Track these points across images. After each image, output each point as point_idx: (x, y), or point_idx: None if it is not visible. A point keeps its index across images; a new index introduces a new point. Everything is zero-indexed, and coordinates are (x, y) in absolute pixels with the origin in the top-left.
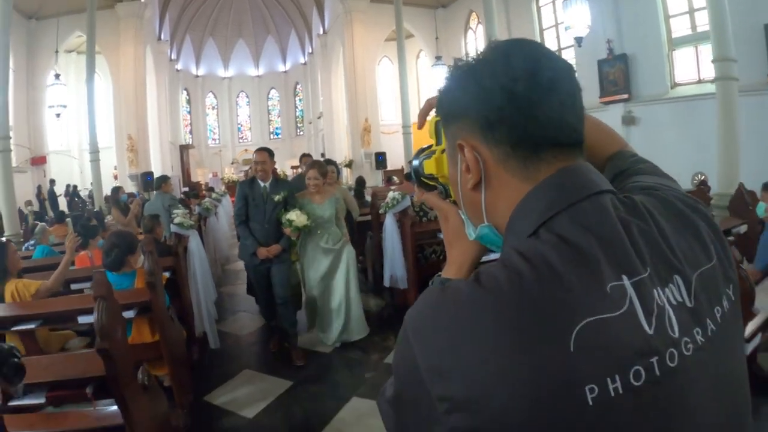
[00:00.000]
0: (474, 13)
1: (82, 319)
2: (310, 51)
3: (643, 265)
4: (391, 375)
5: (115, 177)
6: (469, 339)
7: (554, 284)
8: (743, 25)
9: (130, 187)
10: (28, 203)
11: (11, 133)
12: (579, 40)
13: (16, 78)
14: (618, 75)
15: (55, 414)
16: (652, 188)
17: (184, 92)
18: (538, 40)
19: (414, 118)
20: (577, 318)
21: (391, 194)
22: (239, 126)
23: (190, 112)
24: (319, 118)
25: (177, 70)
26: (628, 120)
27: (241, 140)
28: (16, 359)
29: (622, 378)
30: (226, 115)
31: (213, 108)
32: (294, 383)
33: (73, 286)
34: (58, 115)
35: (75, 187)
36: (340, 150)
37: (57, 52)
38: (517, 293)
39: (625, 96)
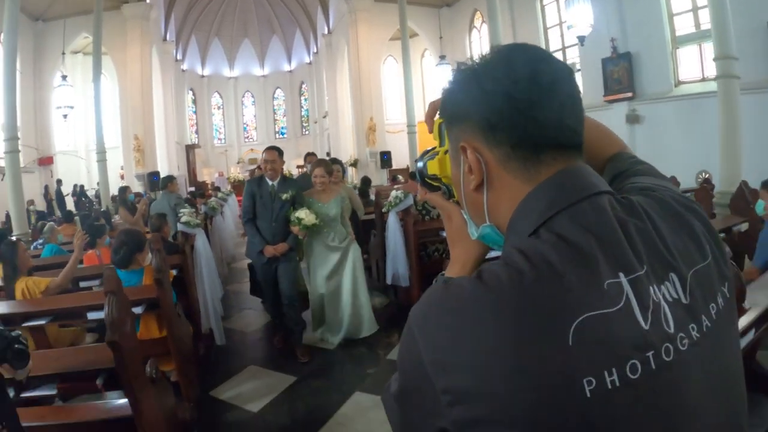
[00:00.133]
0: (478, 12)
1: (92, 315)
2: (315, 50)
3: (640, 263)
4: (394, 370)
5: (122, 177)
6: (471, 334)
7: (553, 281)
8: (745, 23)
9: (137, 187)
10: (30, 203)
11: (19, 134)
12: (582, 39)
13: (22, 79)
14: (622, 73)
15: (65, 407)
16: (650, 189)
17: (190, 92)
18: (542, 38)
19: (419, 116)
20: (575, 313)
21: (393, 193)
22: (245, 126)
23: (195, 112)
24: (324, 117)
25: (183, 71)
26: (633, 118)
27: (246, 140)
28: (19, 345)
29: (619, 371)
30: (232, 114)
31: (219, 108)
32: (298, 378)
33: (82, 284)
34: (65, 116)
35: (82, 187)
36: (346, 149)
37: (64, 53)
38: (517, 290)
39: (629, 94)
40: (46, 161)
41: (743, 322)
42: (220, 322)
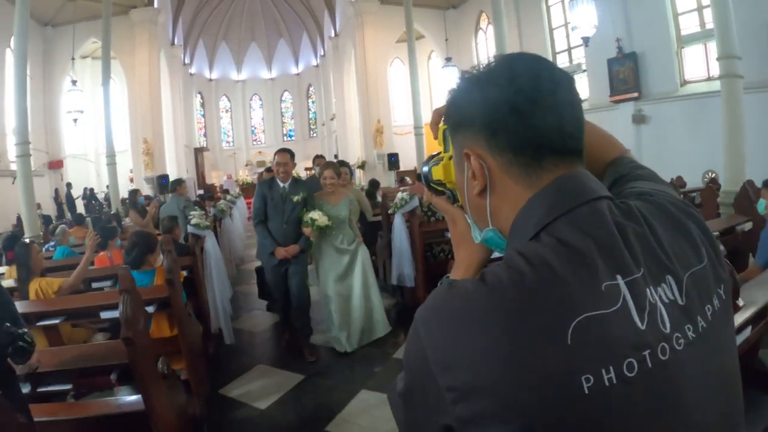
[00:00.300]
0: (484, 14)
1: (105, 315)
2: (322, 53)
3: (637, 266)
4: (400, 369)
5: (131, 180)
6: (475, 333)
7: (553, 283)
8: (748, 22)
9: (147, 190)
10: (37, 206)
11: (29, 138)
12: (586, 40)
13: (32, 83)
14: (628, 73)
15: (77, 404)
16: (648, 194)
17: (198, 96)
18: (548, 39)
19: (426, 118)
20: (574, 314)
21: (399, 195)
22: (253, 128)
23: (204, 116)
24: (332, 119)
25: (191, 74)
26: (639, 119)
27: (254, 143)
28: (22, 343)
29: (616, 369)
30: (240, 117)
31: (227, 111)
32: (305, 377)
33: (94, 285)
34: (75, 121)
35: (92, 190)
36: (353, 151)
37: (73, 59)
38: (518, 291)
39: (635, 94)
40: (56, 165)
41: (737, 319)
42: (230, 322)
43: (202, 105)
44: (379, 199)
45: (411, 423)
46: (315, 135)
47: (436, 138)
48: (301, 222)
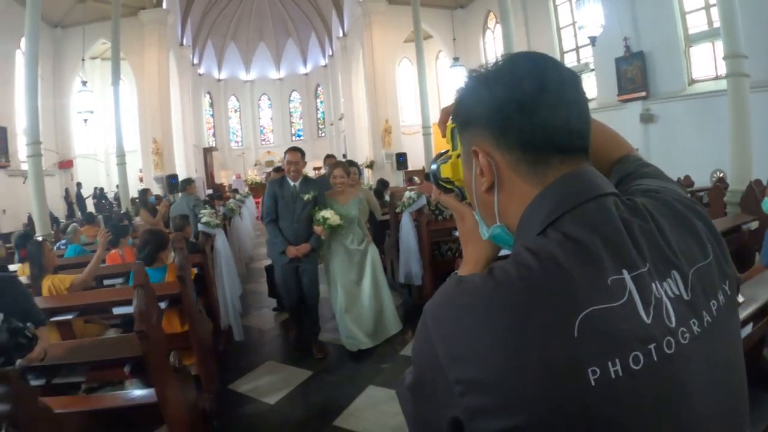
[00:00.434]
0: (492, 13)
1: (117, 310)
2: (330, 53)
3: (643, 261)
4: (407, 366)
5: (141, 180)
6: (482, 326)
7: (560, 277)
8: (755, 21)
9: (156, 190)
10: None
11: (40, 138)
12: (593, 40)
13: (42, 84)
14: (635, 73)
15: (89, 396)
16: (654, 191)
17: (207, 96)
18: (555, 38)
19: (434, 118)
20: (580, 307)
21: (407, 194)
22: (261, 128)
23: (213, 116)
24: (340, 119)
25: (199, 75)
26: (647, 118)
27: (263, 142)
28: (22, 340)
29: (621, 362)
30: (249, 117)
31: (235, 111)
32: (313, 373)
33: (106, 282)
34: (85, 121)
35: (102, 189)
36: (362, 151)
37: (84, 60)
38: (526, 285)
39: (643, 93)
40: (66, 165)
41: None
42: (239, 319)
43: (211, 105)
44: (388, 198)
45: (419, 416)
46: (323, 135)
47: (444, 136)
48: (312, 221)
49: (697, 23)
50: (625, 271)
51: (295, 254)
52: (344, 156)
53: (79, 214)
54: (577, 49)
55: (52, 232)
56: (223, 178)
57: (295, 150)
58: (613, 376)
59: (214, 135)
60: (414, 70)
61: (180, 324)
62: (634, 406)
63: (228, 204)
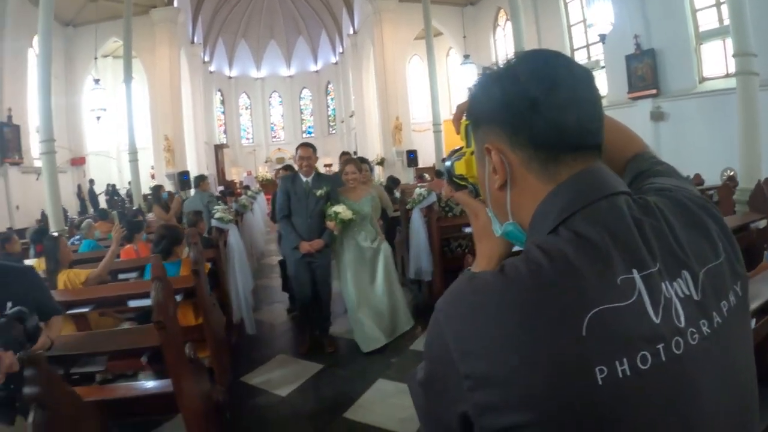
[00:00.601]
0: (502, 10)
1: (133, 303)
2: (341, 50)
3: (653, 261)
4: (417, 360)
5: (152, 176)
6: (493, 322)
7: (570, 275)
8: (764, 19)
9: (168, 186)
10: None
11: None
12: (603, 37)
13: (55, 83)
14: (646, 70)
15: (106, 386)
16: (666, 189)
17: (218, 93)
18: (566, 36)
19: (445, 115)
20: (589, 306)
21: (417, 190)
22: (272, 125)
23: (224, 113)
24: (351, 116)
25: (210, 72)
26: (657, 116)
27: (274, 139)
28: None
29: (629, 361)
30: (260, 114)
31: (246, 108)
32: (324, 366)
33: (120, 276)
34: (98, 118)
35: (114, 186)
36: (372, 148)
37: (96, 58)
38: (536, 282)
39: (654, 91)
40: (78, 162)
41: None
42: (251, 313)
43: (222, 102)
44: (398, 195)
45: (431, 411)
46: (334, 132)
47: (458, 133)
48: (325, 216)
49: (707, 21)
50: (635, 271)
51: (308, 250)
52: (354, 153)
53: (91, 210)
54: (587, 46)
55: (66, 228)
56: (233, 174)
57: (307, 145)
58: (620, 375)
59: (225, 132)
60: (424, 68)
61: (194, 317)
62: (642, 405)
63: (240, 200)
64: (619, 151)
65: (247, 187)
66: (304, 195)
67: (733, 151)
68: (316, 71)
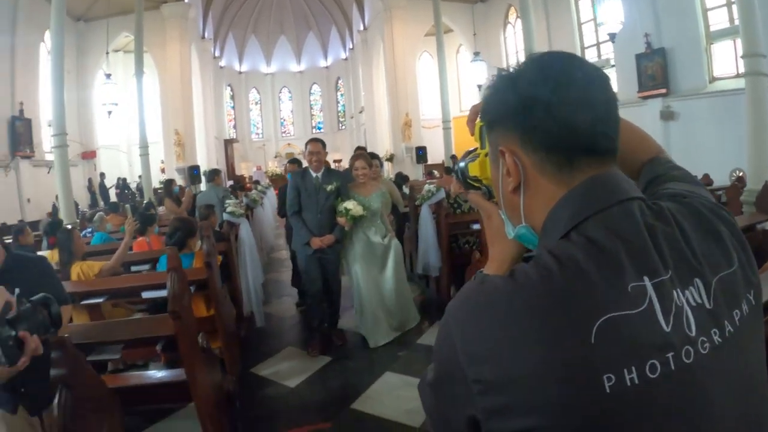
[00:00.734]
0: (512, 8)
1: (146, 294)
2: (351, 47)
3: (665, 268)
4: (424, 354)
5: (162, 170)
6: (501, 327)
7: (580, 282)
8: None
9: (178, 180)
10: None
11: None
12: (612, 36)
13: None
14: (656, 69)
15: (119, 375)
16: (681, 195)
17: (228, 88)
18: (576, 34)
19: (454, 112)
20: (598, 313)
21: (426, 187)
22: (282, 121)
23: (234, 108)
24: (360, 112)
25: (221, 67)
26: (667, 115)
27: (283, 134)
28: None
29: (638, 370)
30: (269, 110)
31: (256, 103)
32: (332, 359)
33: (133, 268)
34: (109, 113)
35: (125, 180)
36: (382, 144)
37: (108, 53)
38: (546, 288)
39: (664, 90)
40: (89, 155)
41: None
42: (261, 306)
43: (232, 97)
44: (406, 190)
45: (439, 413)
46: (344, 128)
47: (472, 134)
48: (335, 212)
49: (718, 20)
50: (646, 278)
51: (320, 245)
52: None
53: (101, 203)
54: (597, 44)
55: (77, 221)
56: (243, 169)
57: (316, 141)
58: (628, 384)
59: (234, 127)
60: (434, 64)
61: (206, 308)
62: (650, 414)
63: (251, 195)
64: (634, 155)
65: (257, 182)
66: (314, 191)
67: (743, 151)
68: (326, 67)
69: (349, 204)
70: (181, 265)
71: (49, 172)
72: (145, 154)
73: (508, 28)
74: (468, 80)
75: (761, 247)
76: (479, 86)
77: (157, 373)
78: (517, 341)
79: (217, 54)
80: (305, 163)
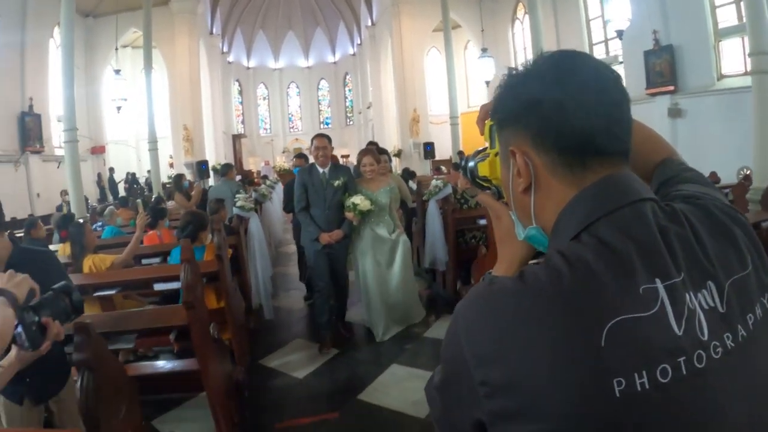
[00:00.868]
0: (521, 4)
1: (158, 286)
2: (359, 42)
3: (678, 270)
4: (429, 347)
5: (171, 165)
6: (509, 330)
7: (590, 284)
8: None
9: (187, 175)
10: (64, 193)
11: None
12: (620, 33)
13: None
14: (664, 66)
15: (131, 365)
16: (694, 197)
17: (236, 83)
18: (584, 30)
19: (462, 108)
20: (609, 315)
21: (433, 182)
22: (290, 116)
23: (242, 103)
24: (368, 108)
25: (229, 63)
26: (675, 112)
27: (291, 129)
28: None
29: (649, 374)
30: (277, 105)
31: (264, 98)
32: (340, 351)
33: (144, 261)
34: (119, 108)
35: (134, 174)
36: (390, 139)
37: (117, 49)
38: (556, 290)
39: (671, 88)
40: (98, 150)
41: None
42: (270, 299)
43: (240, 92)
44: (413, 185)
45: (445, 415)
46: (351, 123)
47: (482, 134)
48: (343, 207)
49: (727, 17)
50: (658, 281)
51: (329, 241)
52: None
53: (110, 198)
54: (606, 41)
55: (87, 215)
56: (251, 164)
57: (322, 136)
58: (638, 388)
59: (242, 122)
60: (442, 60)
61: (216, 300)
62: (660, 420)
63: (260, 189)
64: (646, 156)
65: (265, 177)
66: (322, 186)
67: (750, 149)
68: (334, 62)
69: (357, 199)
70: (194, 257)
71: (58, 167)
72: (153, 149)
73: (516, 25)
74: (476, 76)
75: (766, 245)
76: (487, 83)
77: (169, 363)
78: (525, 343)
79: (225, 49)
80: (312, 159)
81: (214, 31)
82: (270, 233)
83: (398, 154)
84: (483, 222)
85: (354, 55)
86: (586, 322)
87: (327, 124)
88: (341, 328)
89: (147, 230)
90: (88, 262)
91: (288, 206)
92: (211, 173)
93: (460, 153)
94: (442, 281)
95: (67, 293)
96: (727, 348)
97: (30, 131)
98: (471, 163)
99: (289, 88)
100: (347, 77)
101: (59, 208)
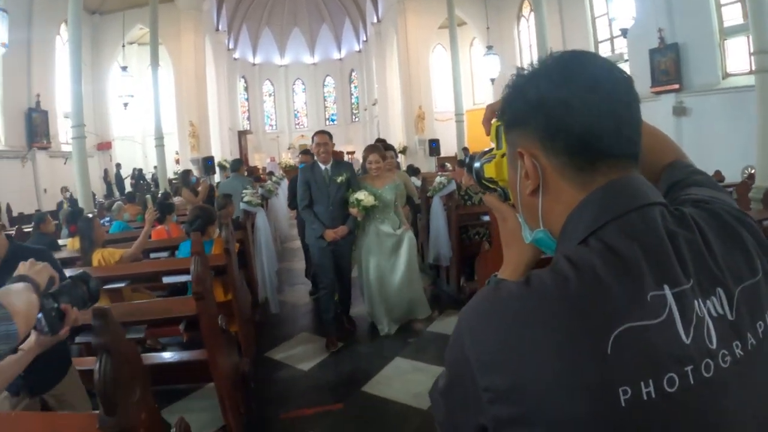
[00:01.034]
0: (526, 1)
1: (167, 279)
2: (365, 39)
3: (686, 277)
4: (433, 342)
5: (177, 161)
6: (514, 335)
7: (597, 290)
8: None
9: (193, 171)
10: (65, 189)
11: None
12: (624, 32)
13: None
14: (669, 64)
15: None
16: (704, 201)
17: (242, 80)
18: (590, 28)
19: (467, 105)
20: (615, 323)
21: (438, 179)
22: (296, 112)
23: (248, 99)
24: (374, 104)
25: (235, 59)
26: (680, 111)
27: (297, 126)
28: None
29: (655, 383)
30: (283, 101)
31: (270, 95)
32: (345, 344)
33: (152, 255)
34: (125, 105)
35: (140, 170)
36: (395, 136)
37: (124, 46)
38: (562, 296)
39: (677, 86)
40: (104, 146)
41: None
42: (276, 293)
43: (246, 89)
44: (417, 182)
45: (449, 419)
46: (357, 120)
47: (488, 134)
48: (347, 203)
49: (732, 16)
50: (666, 287)
51: (334, 237)
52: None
53: (117, 193)
54: (611, 39)
55: (95, 210)
56: (257, 160)
57: (323, 132)
58: (645, 397)
59: (248, 118)
60: (448, 57)
61: (223, 293)
62: (666, 430)
63: (266, 185)
64: (654, 158)
65: (271, 173)
66: (324, 183)
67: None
68: (340, 59)
69: (360, 194)
70: (204, 251)
71: (65, 163)
72: (160, 146)
73: (522, 22)
74: (481, 74)
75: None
76: (492, 80)
77: (177, 354)
78: (529, 349)
79: (231, 46)
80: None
81: (220, 27)
82: (276, 229)
83: (403, 151)
84: (486, 218)
85: (359, 51)
86: (592, 327)
87: (332, 120)
88: (346, 323)
89: (155, 225)
90: (97, 256)
91: (293, 203)
92: (217, 169)
93: (466, 150)
94: (446, 277)
95: (84, 281)
96: (736, 357)
97: (37, 127)
98: (477, 164)
99: (294, 84)
100: (353, 74)
101: (60, 205)
